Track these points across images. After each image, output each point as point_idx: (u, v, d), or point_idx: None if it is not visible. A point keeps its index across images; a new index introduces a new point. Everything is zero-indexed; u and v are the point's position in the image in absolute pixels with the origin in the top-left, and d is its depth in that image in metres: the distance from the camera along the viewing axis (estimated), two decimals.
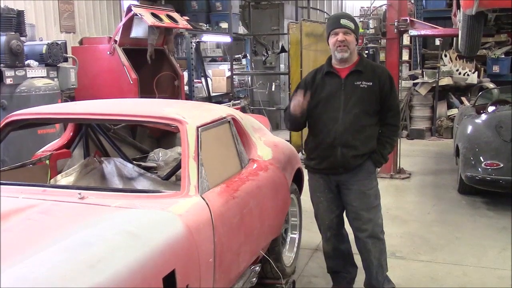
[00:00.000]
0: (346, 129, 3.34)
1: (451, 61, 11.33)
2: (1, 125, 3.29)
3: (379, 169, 4.95)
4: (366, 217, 3.47)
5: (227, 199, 2.87)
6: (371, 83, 3.37)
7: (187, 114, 3.08)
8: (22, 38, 5.87)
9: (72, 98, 6.76)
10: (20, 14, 6.08)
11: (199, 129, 2.96)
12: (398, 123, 3.57)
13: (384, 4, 7.60)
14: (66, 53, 6.63)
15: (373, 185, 3.51)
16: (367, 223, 3.48)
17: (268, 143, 3.87)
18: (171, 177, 3.77)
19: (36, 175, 3.56)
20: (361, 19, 12.91)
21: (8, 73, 5.48)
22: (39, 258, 1.93)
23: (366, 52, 11.74)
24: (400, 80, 7.77)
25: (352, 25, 3.34)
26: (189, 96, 8.42)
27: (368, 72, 3.40)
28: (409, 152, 8.90)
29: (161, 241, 2.26)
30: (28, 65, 5.73)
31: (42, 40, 6.54)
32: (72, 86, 6.32)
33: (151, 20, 6.78)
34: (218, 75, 10.22)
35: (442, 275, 4.22)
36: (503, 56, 11.33)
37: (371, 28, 12.08)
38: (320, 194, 3.58)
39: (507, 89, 8.14)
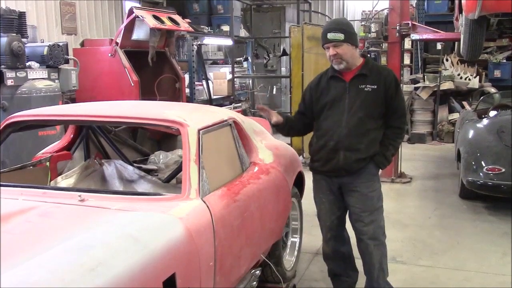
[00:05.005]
0: (350, 132, 3.34)
1: (453, 65, 11.33)
2: (2, 127, 3.27)
3: (380, 173, 4.94)
4: (368, 219, 3.46)
5: (228, 203, 2.86)
6: (375, 86, 3.36)
7: (188, 116, 3.07)
8: (24, 40, 5.88)
9: (73, 100, 6.75)
10: (21, 15, 6.09)
11: (200, 131, 2.95)
12: (402, 126, 3.55)
13: (386, 8, 7.59)
14: (67, 54, 6.63)
15: (376, 187, 3.50)
16: (369, 225, 3.47)
17: (269, 146, 3.86)
18: (172, 180, 3.76)
19: (36, 177, 3.55)
20: (363, 23, 12.94)
21: (9, 74, 5.49)
22: (39, 261, 1.92)
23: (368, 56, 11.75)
24: (401, 84, 7.75)
25: (340, 36, 3.27)
26: (190, 99, 8.43)
27: (373, 75, 3.39)
28: (410, 156, 8.88)
29: (162, 244, 2.24)
30: (29, 67, 5.74)
31: (43, 42, 6.55)
32: (73, 88, 6.32)
33: (152, 23, 6.79)
34: (219, 78, 10.24)
35: (443, 280, 4.20)
36: (504, 60, 11.34)
37: (373, 32, 12.10)
38: (322, 196, 3.59)
39: (508, 93, 8.12)
